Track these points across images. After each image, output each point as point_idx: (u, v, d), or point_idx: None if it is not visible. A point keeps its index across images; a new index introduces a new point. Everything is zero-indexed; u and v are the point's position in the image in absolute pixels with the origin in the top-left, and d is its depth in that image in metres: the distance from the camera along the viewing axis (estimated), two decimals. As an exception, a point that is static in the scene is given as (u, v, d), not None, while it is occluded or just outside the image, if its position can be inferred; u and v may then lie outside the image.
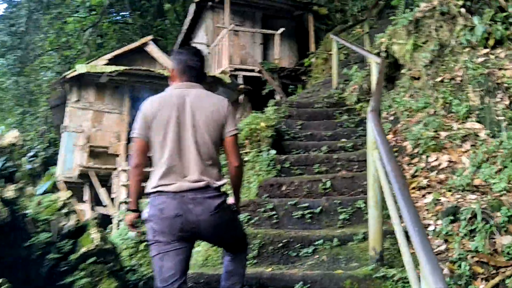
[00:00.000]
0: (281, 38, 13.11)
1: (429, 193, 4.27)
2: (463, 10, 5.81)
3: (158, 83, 10.65)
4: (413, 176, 4.64)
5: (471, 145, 4.82)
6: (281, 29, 12.63)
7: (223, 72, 11.49)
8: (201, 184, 2.37)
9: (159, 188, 2.37)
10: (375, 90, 3.66)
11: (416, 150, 4.97)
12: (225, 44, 12.28)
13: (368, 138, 3.20)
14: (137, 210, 2.55)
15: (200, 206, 2.34)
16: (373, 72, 5.17)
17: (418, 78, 6.38)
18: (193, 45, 15.10)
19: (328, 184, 4.49)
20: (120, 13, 25.74)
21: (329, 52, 11.68)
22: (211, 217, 2.36)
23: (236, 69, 12.31)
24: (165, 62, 11.90)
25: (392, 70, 7.10)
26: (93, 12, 22.55)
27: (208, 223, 2.35)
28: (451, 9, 6.10)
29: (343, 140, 5.68)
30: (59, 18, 16.99)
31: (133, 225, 2.59)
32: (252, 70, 12.58)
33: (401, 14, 7.50)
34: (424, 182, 4.45)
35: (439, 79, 5.87)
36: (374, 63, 5.18)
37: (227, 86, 10.77)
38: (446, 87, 5.72)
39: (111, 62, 11.85)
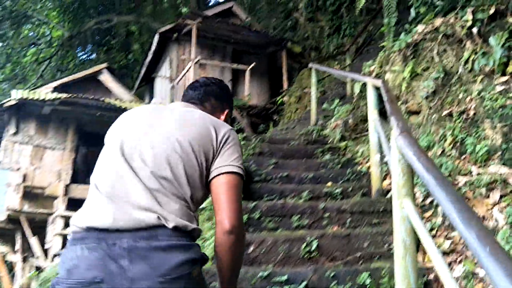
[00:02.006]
0: (252, 74, 12.09)
1: (458, 261, 3.02)
2: (474, 30, 4.80)
3: (111, 115, 9.29)
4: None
5: (502, 195, 3.64)
6: (252, 64, 11.60)
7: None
8: (150, 218, 1.34)
9: (74, 227, 1.40)
10: (392, 109, 2.45)
11: (428, 200, 3.76)
12: (190, 78, 11.12)
13: (393, 179, 1.95)
14: None
15: (142, 264, 1.29)
16: (370, 99, 4.02)
17: (418, 112, 5.25)
18: (156, 79, 13.94)
19: (314, 245, 3.18)
20: (84, 47, 24.55)
21: (304, 90, 10.69)
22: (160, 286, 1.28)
23: (201, 105, 11.08)
24: (120, 93, 10.56)
25: (382, 104, 6.01)
26: (54, 45, 21.29)
27: None
28: (457, 32, 5.09)
29: (330, 184, 4.42)
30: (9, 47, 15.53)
31: None
32: (219, 107, 11.39)
33: (390, 40, 6.51)
34: (447, 244, 3.21)
35: (445, 112, 4.76)
36: (372, 87, 4.03)
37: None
38: (455, 122, 4.62)
39: (58, 91, 10.43)
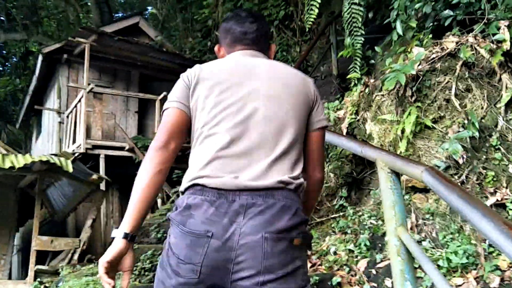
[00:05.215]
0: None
1: None
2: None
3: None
4: None
5: None
6: (164, 93, 9.19)
7: (67, 153, 7.39)
8: (272, 181, 1.25)
9: (196, 181, 1.26)
10: None
11: None
12: (82, 111, 8.49)
13: None
14: (133, 238, 1.27)
15: (256, 220, 1.20)
16: (387, 198, 1.86)
17: (428, 190, 3.19)
18: (44, 111, 11.10)
19: None
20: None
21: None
22: (272, 243, 1.19)
23: (95, 146, 8.46)
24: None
25: (358, 170, 3.89)
26: None
27: (258, 253, 1.17)
28: (483, 60, 3.13)
29: None
30: None
31: (111, 272, 1.24)
32: (122, 148, 8.83)
33: (357, 70, 4.47)
34: None
35: (492, 201, 2.72)
36: (389, 174, 1.88)
37: (70, 176, 6.72)
38: (507, 216, 2.60)
39: None
